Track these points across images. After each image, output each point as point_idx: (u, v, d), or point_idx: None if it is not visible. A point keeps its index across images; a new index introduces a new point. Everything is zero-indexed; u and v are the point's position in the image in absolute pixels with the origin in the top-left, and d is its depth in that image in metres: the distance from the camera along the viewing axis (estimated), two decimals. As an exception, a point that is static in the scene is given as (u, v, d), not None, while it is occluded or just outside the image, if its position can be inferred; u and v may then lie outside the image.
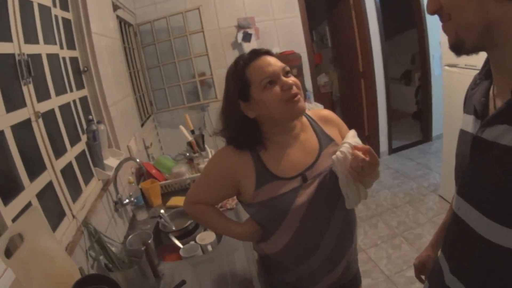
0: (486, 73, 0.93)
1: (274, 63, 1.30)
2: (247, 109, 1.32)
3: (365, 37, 5.15)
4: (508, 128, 0.73)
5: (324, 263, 1.40)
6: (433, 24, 5.30)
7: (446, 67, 3.86)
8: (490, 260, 0.77)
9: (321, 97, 5.48)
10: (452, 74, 3.79)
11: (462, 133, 0.95)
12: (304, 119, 1.46)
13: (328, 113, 1.54)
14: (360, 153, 1.22)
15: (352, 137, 1.38)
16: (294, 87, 1.28)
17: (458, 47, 0.77)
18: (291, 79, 1.30)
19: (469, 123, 0.91)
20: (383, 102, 5.45)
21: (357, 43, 5.31)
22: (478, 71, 0.93)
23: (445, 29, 0.79)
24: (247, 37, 4.16)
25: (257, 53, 1.33)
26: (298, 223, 1.33)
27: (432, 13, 0.79)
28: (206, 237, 1.94)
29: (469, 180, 0.85)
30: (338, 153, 1.29)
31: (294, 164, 1.34)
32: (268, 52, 1.35)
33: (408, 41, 7.18)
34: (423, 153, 5.67)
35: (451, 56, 3.66)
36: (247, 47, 4.11)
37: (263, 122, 1.36)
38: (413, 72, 7.37)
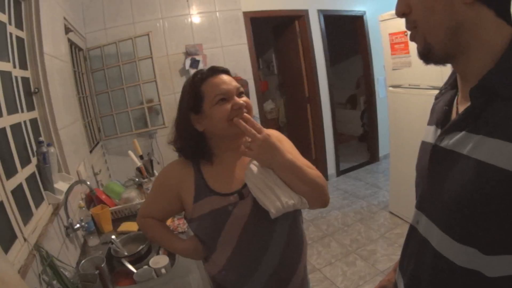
0: (452, 83, 0.94)
1: (229, 82, 1.33)
2: (197, 122, 1.34)
3: (311, 63, 5.31)
4: (466, 135, 0.74)
5: (270, 282, 1.37)
6: (377, 49, 5.55)
7: (390, 88, 4.08)
8: (445, 277, 0.77)
9: (268, 123, 5.58)
10: (397, 94, 4.00)
11: (423, 144, 0.95)
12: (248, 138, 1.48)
13: (273, 132, 1.53)
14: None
15: None
16: (244, 108, 1.31)
17: (427, 54, 0.79)
18: (243, 99, 1.32)
19: (430, 134, 0.92)
20: (329, 126, 5.60)
21: (303, 70, 5.46)
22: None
23: (413, 37, 0.80)
24: (194, 64, 4.19)
25: (215, 70, 1.35)
26: (236, 239, 1.33)
27: (400, 15, 0.80)
28: (159, 260, 1.90)
29: (427, 193, 0.85)
30: (246, 169, 1.31)
31: (233, 180, 1.36)
32: (226, 71, 1.38)
33: (353, 67, 7.51)
34: (371, 173, 5.86)
35: (395, 78, 3.90)
36: None
37: (210, 137, 1.37)
38: (358, 96, 7.67)
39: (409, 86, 3.78)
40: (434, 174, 0.82)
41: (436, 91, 0.95)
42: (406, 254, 0.95)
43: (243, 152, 1.26)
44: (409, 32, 0.81)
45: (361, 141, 7.33)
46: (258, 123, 1.27)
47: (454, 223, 0.73)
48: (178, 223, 2.29)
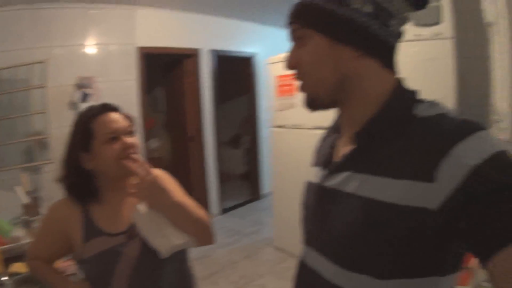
0: (335, 127, 0.98)
1: (120, 121, 1.34)
2: (86, 160, 1.32)
3: (197, 102, 5.38)
4: (350, 174, 0.79)
5: None
6: (262, 90, 5.85)
7: (274, 128, 4.29)
8: None
9: (153, 162, 5.46)
10: (280, 134, 4.22)
11: (308, 184, 0.99)
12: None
13: (158, 172, 1.57)
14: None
15: None
16: (133, 148, 1.32)
17: (314, 103, 0.84)
18: (132, 140, 1.34)
19: (314, 174, 0.96)
20: (212, 164, 5.67)
21: (189, 108, 5.50)
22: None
23: (301, 87, 0.85)
24: (85, 98, 3.99)
25: (107, 108, 1.36)
26: (128, 280, 1.30)
27: (289, 69, 0.85)
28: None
29: (315, 229, 0.89)
30: (135, 208, 1.30)
31: (122, 220, 1.34)
32: (117, 110, 1.39)
33: (239, 106, 7.69)
34: (254, 210, 6.00)
35: (279, 118, 4.12)
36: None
37: (98, 175, 1.35)
38: (241, 135, 7.86)
39: (292, 127, 4.02)
40: (321, 212, 0.86)
41: (319, 131, 1.03)
42: (298, 287, 0.97)
43: (132, 193, 1.25)
44: (298, 82, 0.86)
45: (244, 180, 7.47)
46: (145, 163, 1.27)
47: (345, 254, 0.77)
48: (67, 265, 2.13)
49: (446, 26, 2.95)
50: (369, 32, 0.76)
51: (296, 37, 0.83)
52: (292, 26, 0.83)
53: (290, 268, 3.88)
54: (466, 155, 0.62)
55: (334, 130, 0.98)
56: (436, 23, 2.98)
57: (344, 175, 0.81)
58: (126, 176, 1.32)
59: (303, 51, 0.81)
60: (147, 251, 1.28)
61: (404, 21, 0.81)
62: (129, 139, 1.32)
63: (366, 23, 0.75)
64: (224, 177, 6.54)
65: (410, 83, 0.82)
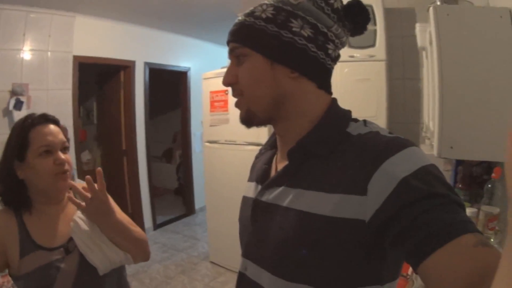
0: (271, 144, 1.03)
1: (56, 134, 1.33)
2: (19, 169, 1.29)
3: (130, 115, 5.28)
4: (285, 189, 0.83)
5: None
6: (196, 105, 5.83)
7: (207, 144, 4.31)
8: None
9: (84, 174, 5.23)
10: (213, 149, 4.25)
11: (244, 199, 1.01)
12: (71, 191, 1.44)
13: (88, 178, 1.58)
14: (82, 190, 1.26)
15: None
16: (66, 164, 1.32)
17: (250, 120, 0.87)
18: (65, 156, 1.33)
19: (250, 189, 0.99)
20: (145, 179, 5.56)
21: (122, 121, 5.38)
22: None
23: (238, 104, 0.88)
24: (18, 105, 3.77)
25: (45, 119, 1.35)
26: None
27: (227, 85, 0.88)
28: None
29: (252, 242, 0.90)
30: (72, 221, 1.33)
31: (58, 235, 1.32)
32: (56, 122, 1.38)
33: (171, 121, 7.67)
34: (188, 225, 5.95)
35: (212, 134, 4.14)
36: (18, 116, 3.70)
37: (31, 187, 1.33)
38: (174, 150, 7.80)
39: (225, 142, 4.07)
40: (257, 225, 0.89)
41: (251, 147, 1.08)
42: None
43: (79, 205, 1.26)
44: (234, 99, 0.90)
45: (177, 195, 7.42)
46: (75, 176, 1.28)
47: (283, 266, 0.78)
48: (2, 281, 2.00)
49: (379, 49, 3.13)
50: (307, 54, 0.81)
51: (235, 55, 0.86)
52: (231, 44, 0.86)
53: (226, 283, 3.91)
54: (396, 169, 0.67)
55: (271, 147, 1.03)
56: (371, 46, 3.16)
57: (279, 189, 0.84)
58: (57, 192, 1.34)
59: (241, 69, 0.84)
60: (86, 267, 1.29)
61: (341, 45, 0.87)
62: (63, 156, 1.32)
63: (304, 46, 0.80)
64: (157, 192, 6.45)
65: (344, 102, 0.88)
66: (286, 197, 0.81)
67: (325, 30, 0.82)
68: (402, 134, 0.76)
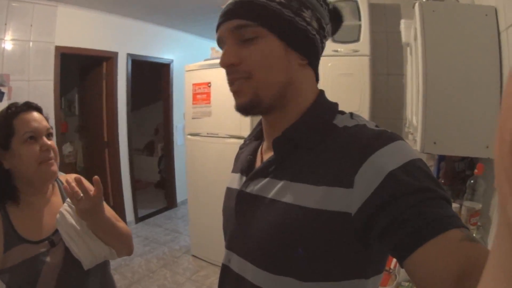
0: (256, 135, 1.01)
1: (40, 121, 1.33)
2: (4, 158, 1.28)
3: (113, 107, 5.21)
4: (270, 181, 0.82)
5: None
6: (179, 98, 5.79)
7: (189, 136, 4.29)
8: None
9: (66, 167, 5.21)
10: (195, 142, 4.23)
11: (228, 190, 1.00)
12: (55, 184, 1.46)
13: (77, 177, 1.56)
14: (73, 184, 1.23)
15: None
16: (52, 151, 1.32)
17: (254, 106, 0.81)
18: (51, 142, 1.33)
19: (235, 181, 0.97)
20: (126, 172, 5.51)
21: (104, 113, 5.31)
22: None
23: (240, 88, 0.81)
24: None
25: (29, 106, 1.34)
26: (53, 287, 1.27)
27: (226, 66, 0.81)
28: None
29: (236, 233, 0.89)
30: (58, 214, 1.31)
31: (43, 227, 1.31)
32: (39, 109, 1.38)
33: (153, 113, 7.62)
34: (170, 218, 5.93)
35: (194, 126, 4.12)
36: None
37: (16, 177, 1.31)
38: (156, 143, 7.76)
39: (207, 135, 4.06)
40: (241, 217, 0.87)
41: (234, 140, 1.06)
42: None
43: (71, 195, 1.21)
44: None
45: (158, 188, 7.38)
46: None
47: (267, 258, 0.78)
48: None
49: (363, 44, 3.15)
50: (315, 45, 0.82)
51: (243, 34, 0.79)
52: (238, 21, 0.79)
53: (209, 276, 3.92)
54: (383, 162, 0.66)
55: (255, 137, 1.01)
56: (355, 41, 3.18)
57: (264, 181, 0.83)
58: (44, 179, 1.33)
59: (253, 50, 0.79)
60: (71, 260, 1.28)
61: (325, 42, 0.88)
62: (48, 141, 1.32)
63: (314, 36, 0.81)
64: (139, 185, 6.40)
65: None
66: (272, 189, 0.80)
67: (325, 26, 0.83)
68: (386, 128, 0.76)
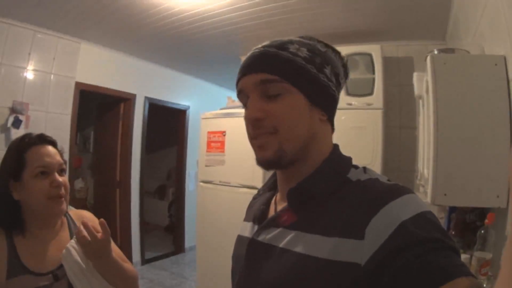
0: (270, 186, 1.01)
1: (53, 156, 1.33)
2: (14, 189, 1.28)
3: (127, 148, 5.30)
4: (283, 230, 0.81)
5: None
6: (193, 144, 5.86)
7: (201, 183, 4.30)
8: None
9: (76, 202, 5.22)
10: (207, 189, 4.24)
11: (239, 238, 0.99)
12: (64, 218, 1.45)
13: (86, 213, 1.59)
14: (81, 228, 1.25)
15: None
16: (62, 188, 1.31)
17: (279, 160, 0.81)
18: (62, 179, 1.33)
19: (246, 229, 0.97)
20: (136, 213, 5.51)
21: (118, 153, 5.38)
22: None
23: (265, 142, 0.81)
24: (17, 123, 3.76)
25: (43, 139, 1.35)
26: None
27: (254, 121, 0.80)
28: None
29: (244, 281, 0.88)
30: (65, 249, 1.31)
31: (48, 260, 1.30)
32: (54, 143, 1.38)
33: (166, 157, 7.70)
34: (177, 263, 5.86)
35: (207, 173, 4.15)
36: (15, 134, 3.68)
37: (25, 209, 1.30)
38: (167, 187, 7.79)
39: (219, 183, 4.06)
40: (251, 265, 0.86)
41: (246, 189, 1.06)
42: None
43: (81, 239, 1.24)
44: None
45: (167, 232, 7.34)
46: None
47: None
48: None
49: (377, 97, 3.20)
50: (335, 100, 0.85)
51: (267, 88, 0.80)
52: (264, 75, 0.80)
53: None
54: (395, 214, 0.67)
55: (269, 188, 1.01)
56: (369, 94, 3.23)
57: (277, 230, 0.82)
58: (52, 215, 1.33)
59: (279, 104, 0.79)
60: None
61: None
62: (60, 178, 1.31)
63: (334, 92, 0.84)
64: (148, 227, 6.37)
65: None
66: (284, 238, 0.79)
67: (340, 81, 0.86)
68: (395, 180, 0.78)
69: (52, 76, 4.25)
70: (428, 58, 1.74)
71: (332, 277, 0.69)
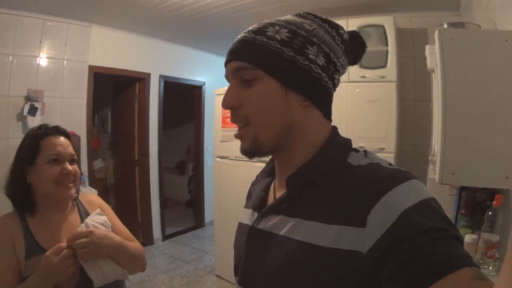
0: (268, 171, 1.00)
1: (65, 146, 1.44)
2: (27, 172, 1.39)
3: (144, 126, 5.36)
4: (283, 218, 0.80)
5: None
6: (210, 120, 5.87)
7: (218, 159, 4.35)
8: None
9: (96, 182, 5.33)
10: (223, 165, 4.29)
11: (240, 225, 0.99)
12: (74, 203, 1.56)
13: (93, 197, 1.72)
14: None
15: (91, 216, 1.51)
16: (72, 176, 1.42)
17: (255, 151, 0.82)
18: (73, 168, 1.44)
19: (246, 216, 0.97)
20: (156, 190, 5.61)
21: (135, 132, 5.46)
22: (249, 161, 0.89)
23: (241, 133, 0.83)
24: (33, 111, 3.84)
25: (57, 131, 1.47)
26: None
27: (227, 107, 0.82)
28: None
29: (247, 269, 0.88)
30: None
31: (60, 241, 1.35)
32: (66, 135, 1.50)
33: (185, 133, 7.74)
34: (197, 238, 5.97)
35: (223, 149, 4.16)
36: (31, 122, 3.75)
37: (36, 192, 1.41)
38: (187, 162, 7.87)
39: (235, 158, 4.10)
40: (252, 253, 0.86)
41: (262, 164, 1.04)
42: None
43: (82, 256, 1.31)
44: (237, 125, 0.83)
45: (188, 207, 7.46)
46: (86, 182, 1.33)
47: None
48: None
49: (390, 70, 3.13)
50: (320, 84, 0.80)
51: (240, 76, 0.80)
52: (237, 63, 0.80)
53: (230, 297, 3.89)
54: (397, 201, 0.65)
55: (267, 174, 1.00)
56: (382, 67, 3.16)
57: (276, 218, 0.82)
58: (59, 200, 1.44)
59: (250, 93, 0.79)
60: (85, 276, 1.34)
61: (342, 74, 0.87)
62: (69, 166, 1.42)
63: (319, 75, 0.78)
64: (168, 203, 6.49)
65: (354, 122, 0.87)
66: (284, 226, 0.79)
67: (335, 60, 0.81)
68: (410, 157, 0.76)
69: (65, 62, 4.30)
70: (436, 32, 1.67)
71: (333, 265, 0.69)
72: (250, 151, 0.82)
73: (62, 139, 1.45)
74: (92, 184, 4.58)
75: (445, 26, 1.94)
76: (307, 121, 0.81)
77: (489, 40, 1.62)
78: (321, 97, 0.82)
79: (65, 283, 1.31)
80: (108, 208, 1.67)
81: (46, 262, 1.25)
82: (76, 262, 1.31)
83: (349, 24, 3.39)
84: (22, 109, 3.87)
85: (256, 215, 0.90)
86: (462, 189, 2.05)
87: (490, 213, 1.67)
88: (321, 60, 0.79)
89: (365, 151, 0.83)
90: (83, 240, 1.29)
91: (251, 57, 0.78)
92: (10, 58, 3.86)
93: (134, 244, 1.55)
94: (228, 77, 0.84)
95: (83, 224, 1.41)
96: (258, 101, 0.78)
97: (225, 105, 0.82)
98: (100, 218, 1.50)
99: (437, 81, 1.80)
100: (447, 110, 1.63)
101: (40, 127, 1.46)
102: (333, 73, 0.82)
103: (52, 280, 1.27)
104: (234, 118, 0.83)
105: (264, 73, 0.77)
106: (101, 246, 1.34)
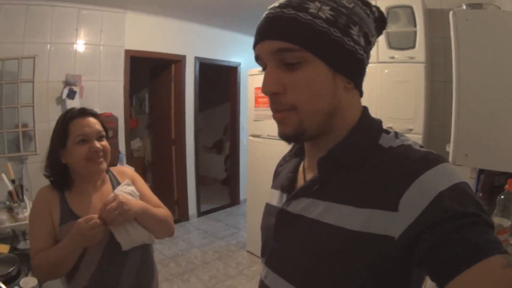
0: (296, 152, 0.97)
1: (92, 125, 1.56)
2: (61, 154, 1.54)
3: (180, 107, 5.48)
4: (313, 201, 0.78)
5: None
6: (245, 100, 5.93)
7: (251, 138, 4.42)
8: None
9: (134, 161, 5.54)
10: (256, 143, 4.36)
11: (268, 206, 0.98)
12: (106, 175, 1.71)
13: (126, 169, 1.87)
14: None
15: (120, 186, 1.65)
16: (101, 152, 1.56)
17: (297, 136, 0.78)
18: (102, 144, 1.57)
19: (275, 198, 0.95)
20: (192, 168, 5.75)
21: (172, 112, 5.61)
22: (279, 140, 0.83)
23: (284, 118, 0.77)
24: (71, 95, 4.06)
25: (83, 113, 1.59)
26: (98, 261, 1.49)
27: (269, 94, 0.76)
28: (29, 281, 1.86)
29: (275, 251, 0.87)
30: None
31: (92, 208, 1.54)
32: (93, 114, 1.61)
33: (222, 113, 7.86)
34: (231, 215, 6.13)
35: (255, 128, 4.24)
36: (70, 105, 3.93)
37: (71, 170, 1.58)
38: (224, 141, 7.99)
39: (268, 137, 4.16)
40: (282, 236, 0.85)
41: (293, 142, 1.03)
42: None
43: (111, 221, 1.44)
44: (279, 110, 0.77)
45: (224, 185, 7.61)
46: (123, 160, 1.45)
47: (307, 278, 0.76)
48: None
49: (419, 51, 3.08)
50: (363, 65, 0.77)
51: (284, 58, 0.73)
52: (281, 43, 0.72)
53: (260, 272, 4.02)
54: (429, 185, 0.64)
55: (295, 155, 0.98)
56: (411, 48, 3.12)
57: (307, 201, 0.80)
58: (91, 175, 1.58)
59: (297, 77, 0.73)
60: (114, 239, 1.49)
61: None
62: (98, 143, 1.55)
63: (362, 56, 0.75)
64: (205, 181, 6.65)
65: (383, 103, 0.87)
66: (315, 209, 0.77)
67: (371, 39, 0.79)
68: (438, 138, 0.76)
69: (101, 47, 4.47)
70: (450, 14, 1.66)
71: (364, 249, 0.68)
72: (292, 136, 0.78)
73: (89, 119, 1.57)
74: (130, 162, 4.80)
75: (463, 7, 1.93)
76: (349, 104, 0.79)
77: (505, 22, 1.60)
78: (361, 79, 0.79)
79: (94, 246, 1.46)
80: (139, 178, 1.81)
81: (77, 227, 1.39)
82: (105, 230, 1.44)
83: (377, 4, 3.31)
84: (61, 93, 4.09)
85: (285, 197, 0.89)
86: (481, 172, 2.03)
87: (502, 197, 1.62)
88: (362, 40, 0.75)
89: (396, 133, 0.80)
90: (112, 204, 1.42)
91: (296, 37, 0.71)
92: (48, 46, 4.06)
93: (161, 210, 1.69)
94: (264, 58, 0.77)
95: (112, 194, 1.53)
96: (307, 87, 0.73)
97: (267, 90, 0.75)
98: (128, 188, 1.64)
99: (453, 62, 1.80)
100: (461, 90, 1.63)
101: (67, 111, 1.59)
102: (369, 53, 0.80)
103: (81, 244, 1.42)
104: (276, 106, 0.77)
105: (312, 55, 0.71)
106: (127, 210, 1.46)
